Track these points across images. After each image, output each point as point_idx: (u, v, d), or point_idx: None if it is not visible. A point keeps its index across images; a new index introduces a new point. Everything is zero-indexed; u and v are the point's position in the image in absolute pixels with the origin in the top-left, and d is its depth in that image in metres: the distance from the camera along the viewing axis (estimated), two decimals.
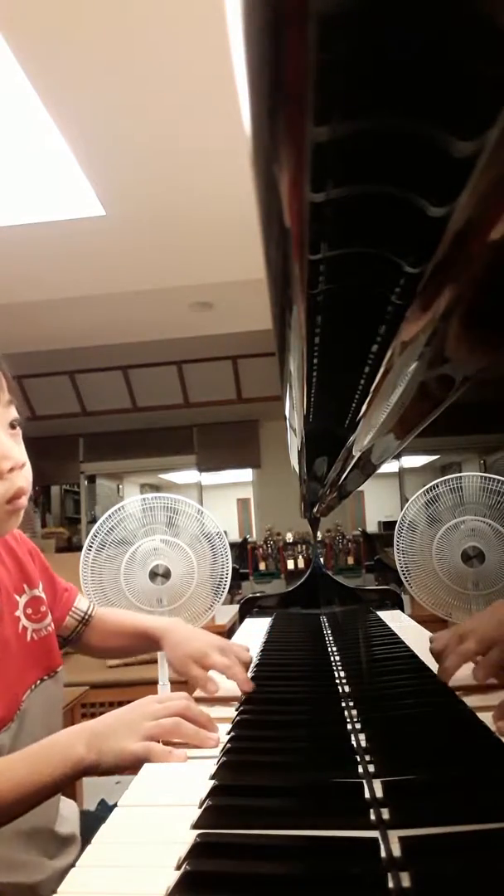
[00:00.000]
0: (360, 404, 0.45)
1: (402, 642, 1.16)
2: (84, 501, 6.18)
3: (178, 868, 0.44)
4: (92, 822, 0.92)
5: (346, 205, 0.20)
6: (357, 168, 0.19)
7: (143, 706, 0.73)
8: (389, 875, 0.41)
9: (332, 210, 0.20)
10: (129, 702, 0.75)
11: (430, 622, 1.53)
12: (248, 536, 6.20)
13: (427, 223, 0.20)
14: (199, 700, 0.84)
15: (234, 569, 2.11)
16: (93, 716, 0.75)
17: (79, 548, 2.80)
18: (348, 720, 0.76)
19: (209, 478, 6.39)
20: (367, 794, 0.53)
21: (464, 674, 0.84)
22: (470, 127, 0.16)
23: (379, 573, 4.11)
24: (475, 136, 0.16)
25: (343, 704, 0.82)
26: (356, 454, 0.67)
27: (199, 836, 0.47)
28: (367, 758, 0.62)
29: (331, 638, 1.30)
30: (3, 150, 2.09)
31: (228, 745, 0.67)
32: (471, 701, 0.79)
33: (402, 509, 2.06)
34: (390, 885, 0.41)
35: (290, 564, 5.59)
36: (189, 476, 6.32)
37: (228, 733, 0.72)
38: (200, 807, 0.54)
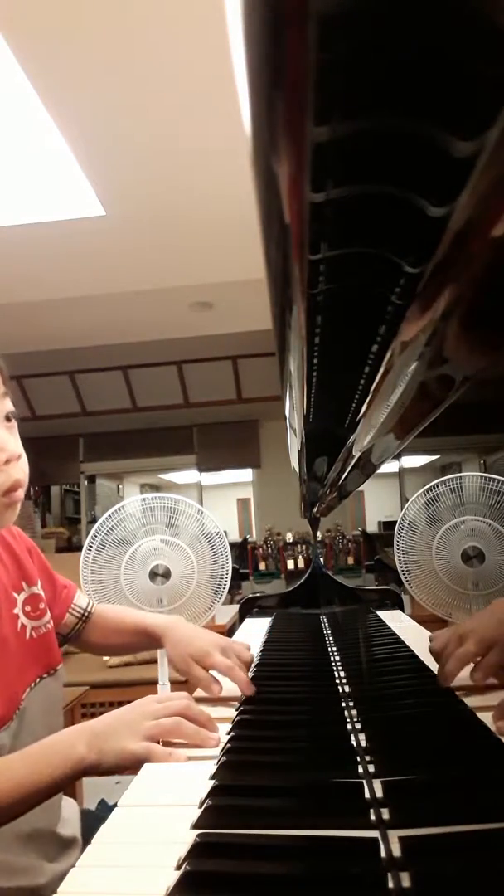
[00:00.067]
0: (360, 404, 0.45)
1: (402, 642, 1.16)
2: (84, 501, 6.18)
3: (178, 868, 0.44)
4: (92, 822, 0.92)
5: (346, 205, 0.20)
6: (357, 168, 0.19)
7: (144, 706, 0.73)
8: (389, 875, 0.41)
9: (332, 210, 0.20)
10: (129, 702, 0.75)
11: (430, 622, 1.53)
12: (248, 536, 6.20)
13: (427, 223, 0.20)
14: (199, 700, 0.84)
15: (234, 569, 2.11)
16: (93, 716, 0.75)
17: (79, 548, 2.80)
18: (348, 720, 0.76)
19: (209, 478, 6.39)
20: (367, 794, 0.53)
21: (464, 674, 0.84)
22: (470, 127, 0.16)
23: (379, 573, 4.11)
24: (475, 136, 0.16)
25: (343, 704, 0.82)
26: (356, 454, 0.67)
27: (199, 836, 0.48)
28: (367, 758, 0.62)
29: (331, 638, 1.30)
30: (3, 150, 2.09)
31: (228, 745, 0.67)
32: (471, 701, 0.79)
33: (402, 509, 2.06)
34: (390, 885, 0.41)
35: (290, 564, 5.59)
36: (189, 476, 6.32)
37: (228, 733, 0.72)
38: (200, 807, 0.54)
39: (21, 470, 0.79)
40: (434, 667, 0.90)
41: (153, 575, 1.97)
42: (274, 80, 0.15)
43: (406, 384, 0.39)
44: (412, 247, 0.23)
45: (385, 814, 0.50)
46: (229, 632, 2.69)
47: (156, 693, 1.34)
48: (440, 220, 0.20)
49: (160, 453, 5.92)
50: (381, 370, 0.36)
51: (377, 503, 6.40)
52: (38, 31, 1.60)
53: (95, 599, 1.85)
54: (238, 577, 3.38)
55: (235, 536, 6.62)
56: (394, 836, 0.46)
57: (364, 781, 0.55)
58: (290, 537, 5.71)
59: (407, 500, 2.10)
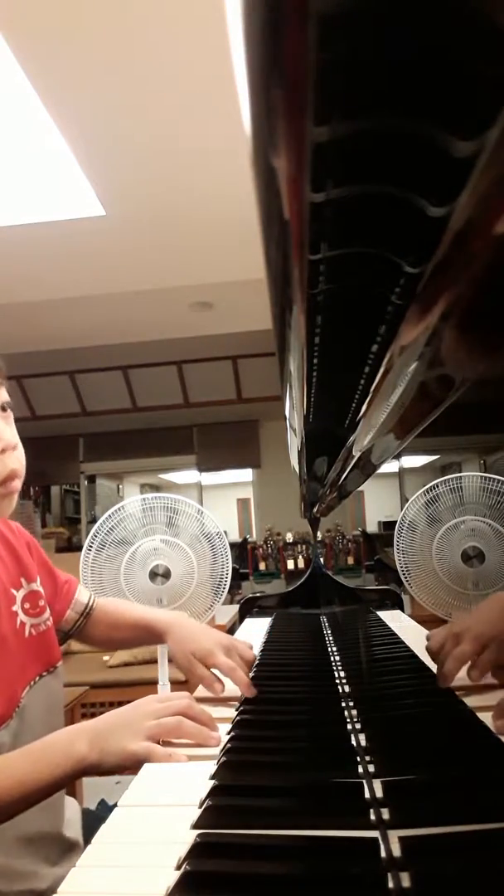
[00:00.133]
0: (360, 404, 0.45)
1: (402, 642, 1.16)
2: (84, 501, 6.18)
3: (178, 868, 0.44)
4: (92, 822, 0.92)
5: (346, 205, 0.20)
6: (357, 168, 0.19)
7: (145, 705, 0.73)
8: (389, 875, 0.41)
9: (332, 210, 0.20)
10: (129, 702, 0.74)
11: (430, 622, 1.52)
12: (248, 536, 6.20)
13: (427, 223, 0.20)
14: (199, 700, 0.84)
15: (234, 569, 2.11)
16: (93, 716, 0.75)
17: (79, 548, 2.80)
18: (348, 720, 0.76)
19: (209, 478, 6.39)
20: (367, 794, 0.53)
21: (463, 674, 0.84)
22: (470, 127, 0.16)
23: (379, 573, 4.11)
24: (475, 136, 0.16)
25: (343, 704, 0.82)
26: (356, 454, 0.67)
27: (199, 836, 0.48)
28: (367, 758, 0.62)
29: (331, 638, 1.30)
30: (3, 150, 2.09)
31: (228, 745, 0.67)
32: (471, 701, 0.79)
33: (402, 509, 2.06)
34: (390, 885, 0.41)
35: (290, 564, 5.59)
36: (189, 476, 6.32)
37: (228, 733, 0.72)
38: (200, 807, 0.54)
39: (17, 460, 0.78)
40: (433, 666, 0.90)
41: (153, 575, 1.97)
42: (274, 80, 0.15)
43: (406, 384, 0.39)
44: (412, 247, 0.23)
45: (385, 814, 0.50)
46: (229, 632, 2.69)
47: (156, 693, 1.34)
48: (440, 220, 0.20)
49: (160, 453, 5.92)
50: (381, 370, 0.36)
51: (377, 503, 6.40)
52: (38, 31, 1.60)
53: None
54: (238, 577, 3.38)
55: (235, 536, 6.62)
56: (394, 836, 0.46)
57: (364, 781, 0.55)
58: (290, 537, 5.71)
59: (407, 500, 2.10)
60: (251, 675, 0.93)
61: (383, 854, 0.44)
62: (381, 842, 0.45)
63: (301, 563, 5.53)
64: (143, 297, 3.36)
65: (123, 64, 1.75)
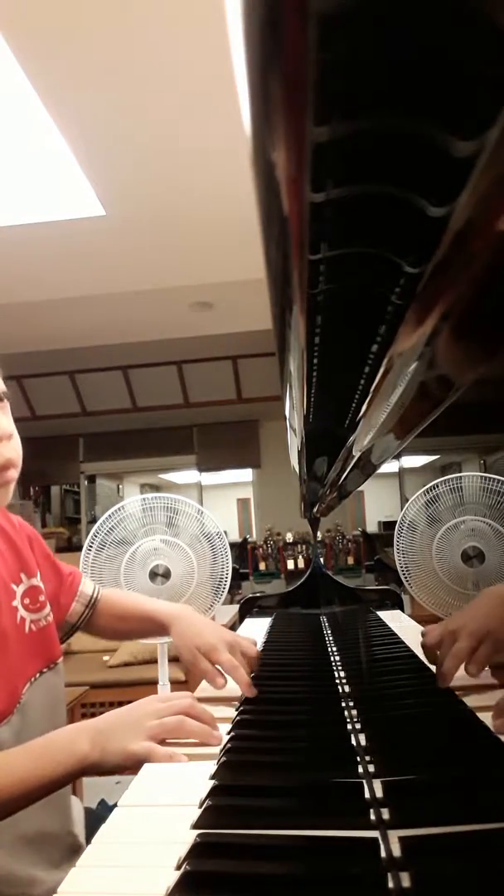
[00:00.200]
0: (360, 404, 0.45)
1: (402, 642, 1.16)
2: (84, 501, 6.18)
3: (178, 868, 0.44)
4: (93, 821, 0.92)
5: (346, 205, 0.20)
6: (357, 168, 0.19)
7: (147, 705, 0.73)
8: (389, 875, 0.41)
9: (332, 210, 0.20)
10: (129, 702, 0.74)
11: (430, 622, 1.52)
12: (248, 536, 6.21)
13: (427, 223, 0.20)
14: (199, 700, 0.84)
15: (234, 569, 2.11)
16: (93, 716, 0.75)
17: (79, 548, 2.80)
18: (348, 720, 0.75)
19: (209, 478, 6.39)
20: (367, 794, 0.53)
21: (462, 673, 0.84)
22: (470, 127, 0.16)
23: (379, 573, 4.11)
24: (475, 136, 0.16)
25: (343, 704, 0.82)
26: (356, 454, 0.67)
27: (199, 836, 0.47)
28: (367, 758, 0.62)
29: (331, 638, 1.30)
30: (3, 150, 2.09)
31: (228, 745, 0.67)
32: (471, 701, 0.79)
33: (402, 509, 2.06)
34: (390, 885, 0.41)
35: (290, 564, 5.59)
36: (189, 476, 6.32)
37: (228, 733, 0.72)
38: (200, 807, 0.54)
39: (13, 449, 0.78)
40: (431, 665, 0.90)
41: (153, 575, 1.97)
42: (274, 80, 0.15)
43: (406, 384, 0.39)
44: (412, 247, 0.23)
45: (385, 814, 0.50)
46: None
47: (156, 693, 1.34)
48: (440, 220, 0.20)
49: (160, 453, 5.93)
50: (381, 370, 0.36)
51: (377, 503, 6.40)
52: (38, 31, 1.60)
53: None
54: (238, 577, 3.38)
55: (235, 536, 6.62)
56: (394, 836, 0.46)
57: (364, 781, 0.55)
58: (290, 537, 5.71)
59: (407, 500, 2.10)
60: (252, 674, 0.93)
61: (383, 854, 0.44)
62: (381, 842, 0.45)
63: (301, 563, 5.53)
64: (143, 297, 3.36)
65: (123, 64, 1.75)
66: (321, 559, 2.08)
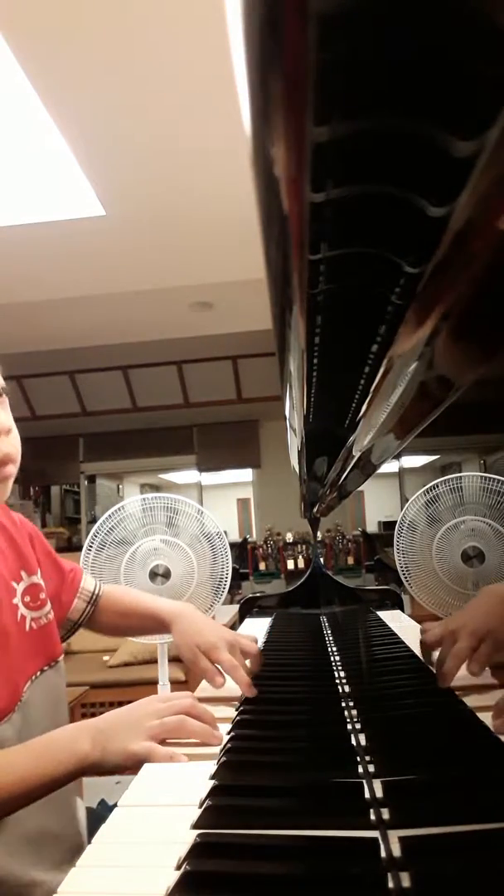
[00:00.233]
0: (360, 404, 0.45)
1: (402, 642, 1.16)
2: (84, 501, 6.18)
3: (178, 868, 0.44)
4: (93, 821, 0.91)
5: (346, 205, 0.20)
6: (357, 168, 0.19)
7: (147, 705, 0.73)
8: (389, 875, 0.41)
9: (332, 210, 0.20)
10: (129, 702, 0.74)
11: (430, 622, 1.52)
12: (248, 536, 6.20)
13: (427, 223, 0.20)
14: (200, 700, 0.84)
15: (234, 569, 2.11)
16: (92, 716, 0.74)
17: (79, 548, 2.80)
18: (348, 720, 0.75)
19: (209, 478, 6.39)
20: (367, 794, 0.53)
21: (462, 673, 0.84)
22: (470, 127, 0.16)
23: (379, 573, 4.11)
24: (475, 136, 0.16)
25: (343, 704, 0.82)
26: (356, 454, 0.67)
27: (199, 836, 0.47)
28: (367, 758, 0.62)
29: (331, 638, 1.30)
30: (3, 150, 2.09)
31: (228, 745, 0.67)
32: (471, 701, 0.79)
33: (402, 509, 2.06)
34: (390, 885, 0.41)
35: (290, 564, 5.59)
36: (189, 476, 6.32)
37: (228, 733, 0.72)
38: (200, 807, 0.54)
39: (11, 444, 0.78)
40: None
41: (153, 575, 1.97)
42: (274, 80, 0.15)
43: (406, 384, 0.39)
44: (412, 247, 0.23)
45: (385, 814, 0.50)
46: None
47: (156, 693, 1.34)
48: (440, 220, 0.20)
49: (160, 453, 5.93)
50: (381, 370, 0.36)
51: (377, 503, 6.40)
52: (38, 31, 1.60)
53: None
54: (238, 577, 3.39)
55: (235, 536, 6.62)
56: (394, 836, 0.46)
57: (364, 781, 0.55)
58: (290, 537, 5.71)
59: (407, 500, 2.10)
60: (254, 672, 0.93)
61: (383, 854, 0.44)
62: (381, 842, 0.45)
63: (301, 563, 5.53)
64: (143, 297, 3.36)
65: (123, 64, 1.75)
66: (321, 559, 2.08)
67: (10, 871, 0.70)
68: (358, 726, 0.73)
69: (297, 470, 1.11)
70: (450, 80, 0.15)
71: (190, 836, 0.48)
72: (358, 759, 0.62)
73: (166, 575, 1.96)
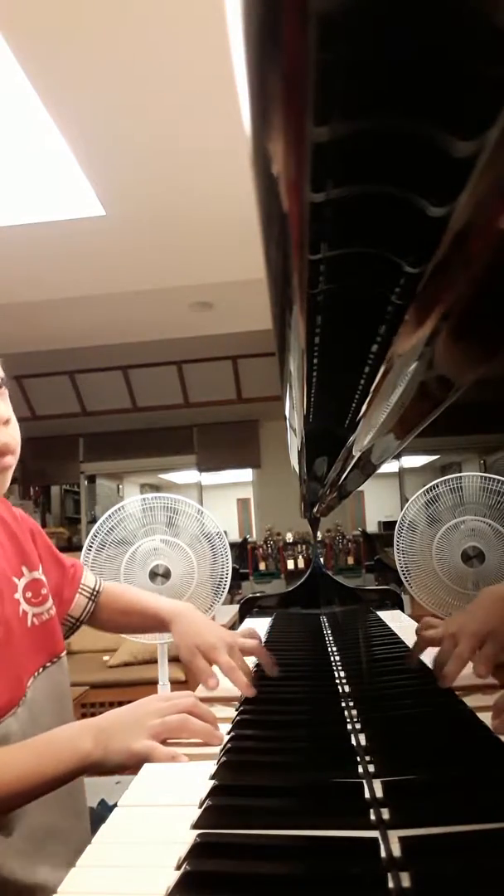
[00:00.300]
0: (360, 404, 0.45)
1: (402, 642, 1.16)
2: (84, 501, 6.18)
3: (178, 868, 0.44)
4: (93, 821, 0.91)
5: (346, 205, 0.20)
6: (357, 168, 0.19)
7: (149, 704, 0.73)
8: (389, 875, 0.41)
9: (332, 210, 0.20)
10: (129, 702, 0.74)
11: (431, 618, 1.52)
12: (248, 536, 6.20)
13: (427, 223, 0.20)
14: (200, 700, 0.84)
15: (234, 569, 2.11)
16: (93, 715, 0.74)
17: (79, 548, 2.80)
18: (348, 720, 0.75)
19: (209, 478, 6.39)
20: (367, 794, 0.53)
21: (463, 673, 0.84)
22: (470, 127, 0.16)
23: (379, 573, 4.11)
24: (475, 136, 0.16)
25: (343, 704, 0.82)
26: (356, 454, 0.67)
27: (199, 836, 0.48)
28: (367, 758, 0.62)
29: (331, 638, 1.30)
30: (3, 150, 2.09)
31: (228, 745, 0.67)
32: (471, 701, 0.79)
33: (402, 509, 2.06)
34: (390, 885, 0.41)
35: (290, 564, 5.59)
36: (189, 476, 6.32)
37: (228, 733, 0.72)
38: (200, 807, 0.54)
39: (10, 435, 0.77)
40: (430, 664, 0.90)
41: (153, 575, 1.97)
42: (274, 81, 0.15)
43: (406, 384, 0.39)
44: (412, 247, 0.23)
45: (385, 814, 0.50)
46: None
47: (156, 693, 1.34)
48: (440, 220, 0.20)
49: (160, 453, 5.93)
50: (381, 370, 0.36)
51: (377, 503, 6.40)
52: (38, 31, 1.60)
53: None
54: (238, 577, 3.38)
55: (235, 536, 6.62)
56: (394, 836, 0.46)
57: (364, 781, 0.55)
58: (290, 537, 5.71)
59: (407, 500, 2.10)
60: (253, 671, 0.93)
61: (383, 854, 0.44)
62: (381, 842, 0.45)
63: (301, 563, 5.53)
64: (143, 297, 3.36)
65: (123, 64, 1.75)
66: (321, 559, 2.08)
67: (17, 870, 0.70)
68: (358, 726, 0.73)
69: (297, 470, 1.11)
70: (449, 80, 0.15)
71: (190, 836, 0.48)
72: (358, 759, 0.62)
73: (166, 575, 1.96)
